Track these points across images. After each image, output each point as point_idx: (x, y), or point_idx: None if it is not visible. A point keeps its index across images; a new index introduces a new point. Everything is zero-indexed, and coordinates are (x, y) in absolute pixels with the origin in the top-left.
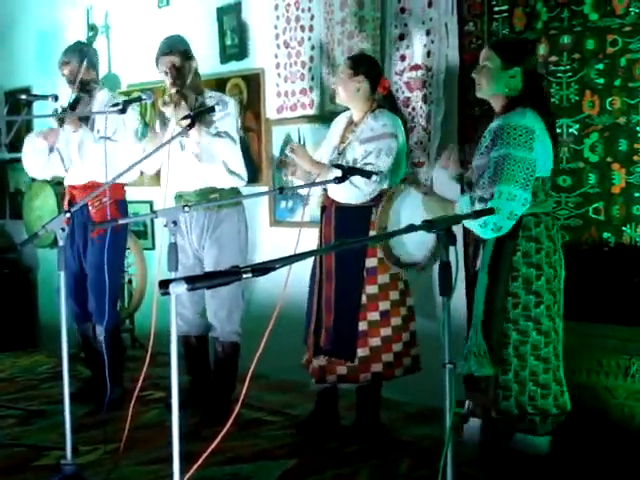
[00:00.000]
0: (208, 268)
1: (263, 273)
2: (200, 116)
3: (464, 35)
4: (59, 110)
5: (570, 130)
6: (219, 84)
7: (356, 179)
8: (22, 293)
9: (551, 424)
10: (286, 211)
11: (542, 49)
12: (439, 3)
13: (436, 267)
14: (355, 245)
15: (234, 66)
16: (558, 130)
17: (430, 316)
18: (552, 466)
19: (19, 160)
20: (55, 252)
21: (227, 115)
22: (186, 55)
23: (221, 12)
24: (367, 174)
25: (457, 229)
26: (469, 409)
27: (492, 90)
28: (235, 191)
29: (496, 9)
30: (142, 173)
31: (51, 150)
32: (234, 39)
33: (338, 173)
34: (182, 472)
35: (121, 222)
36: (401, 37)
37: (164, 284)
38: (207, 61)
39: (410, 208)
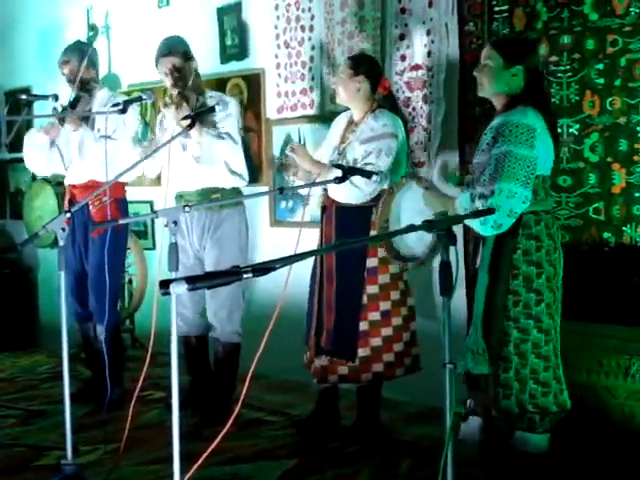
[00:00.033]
0: (209, 268)
1: (263, 273)
2: (200, 116)
3: (464, 35)
4: (59, 109)
5: (570, 130)
6: (219, 84)
7: (356, 179)
8: (22, 293)
9: (550, 422)
10: (286, 211)
11: (542, 49)
12: (439, 3)
13: (436, 267)
14: (355, 245)
15: (234, 66)
16: (558, 130)
17: (430, 316)
18: (553, 466)
19: (19, 160)
20: (55, 252)
21: (228, 116)
22: (186, 56)
23: (221, 12)
24: (367, 174)
25: (457, 227)
26: (470, 408)
27: (494, 89)
28: (236, 191)
29: (496, 9)
30: (143, 175)
31: (52, 144)
32: (234, 39)
33: (338, 173)
34: (182, 472)
35: (121, 222)
36: (401, 37)
37: (164, 284)
38: (207, 61)
39: (411, 202)
